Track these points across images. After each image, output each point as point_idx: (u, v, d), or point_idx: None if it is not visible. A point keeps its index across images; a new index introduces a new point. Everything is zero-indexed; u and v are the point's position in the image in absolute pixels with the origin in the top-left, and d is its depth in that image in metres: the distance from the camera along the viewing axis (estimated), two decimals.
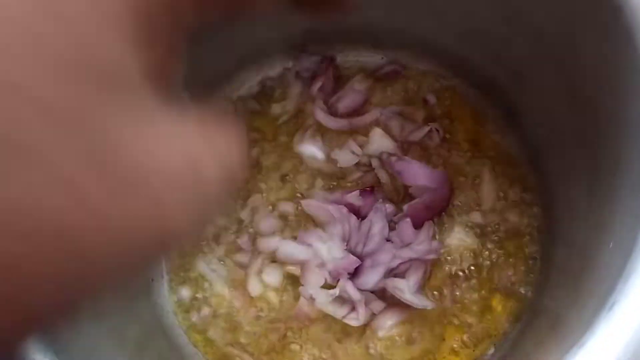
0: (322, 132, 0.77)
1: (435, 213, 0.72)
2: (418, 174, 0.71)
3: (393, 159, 0.72)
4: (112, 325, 0.55)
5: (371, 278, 0.68)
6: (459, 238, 0.71)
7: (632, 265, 0.39)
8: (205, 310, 0.72)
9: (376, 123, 0.76)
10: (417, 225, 0.70)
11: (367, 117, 0.76)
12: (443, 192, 0.72)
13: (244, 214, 0.75)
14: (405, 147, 0.75)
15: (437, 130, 0.75)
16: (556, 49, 0.58)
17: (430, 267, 0.70)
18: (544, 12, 0.56)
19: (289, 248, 0.72)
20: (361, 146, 0.75)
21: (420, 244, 0.68)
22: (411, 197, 0.72)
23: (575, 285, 0.53)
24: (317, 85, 0.78)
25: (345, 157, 0.74)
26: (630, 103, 0.47)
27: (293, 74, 0.79)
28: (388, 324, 0.68)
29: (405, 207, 0.70)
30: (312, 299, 0.69)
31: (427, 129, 0.75)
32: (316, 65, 0.79)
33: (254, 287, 0.72)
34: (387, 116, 0.76)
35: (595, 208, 0.54)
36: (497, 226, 0.72)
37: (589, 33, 0.51)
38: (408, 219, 0.70)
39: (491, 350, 0.68)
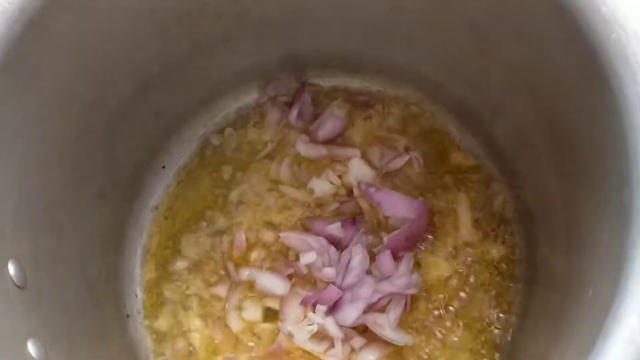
0: (299, 161, 0.75)
1: (415, 243, 0.71)
2: (397, 205, 0.70)
3: (372, 189, 0.71)
4: None
5: (351, 313, 0.67)
6: (437, 271, 0.70)
7: (611, 324, 0.38)
8: (180, 345, 0.70)
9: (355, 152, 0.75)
10: (397, 257, 0.69)
11: (347, 148, 0.75)
12: (422, 222, 0.71)
13: (224, 243, 0.73)
14: (384, 176, 0.74)
15: (417, 159, 0.74)
16: (532, 80, 0.57)
17: (411, 301, 0.68)
18: (519, 45, 0.55)
19: (267, 280, 0.71)
20: (340, 176, 0.74)
21: (400, 278, 0.67)
22: (392, 227, 0.71)
23: (556, 331, 0.52)
24: (295, 112, 0.76)
25: (322, 187, 0.73)
26: (610, 133, 0.45)
27: (269, 101, 0.78)
28: (370, 359, 0.67)
29: (385, 238, 0.69)
30: (290, 336, 0.68)
31: (407, 157, 0.74)
32: (292, 91, 0.78)
33: (234, 323, 0.70)
34: (367, 144, 0.75)
35: (575, 250, 0.53)
36: (475, 259, 0.70)
37: (565, 66, 0.50)
38: (388, 251, 0.68)
39: None
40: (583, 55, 0.46)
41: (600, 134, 0.48)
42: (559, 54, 0.50)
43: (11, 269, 0.48)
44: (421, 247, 0.71)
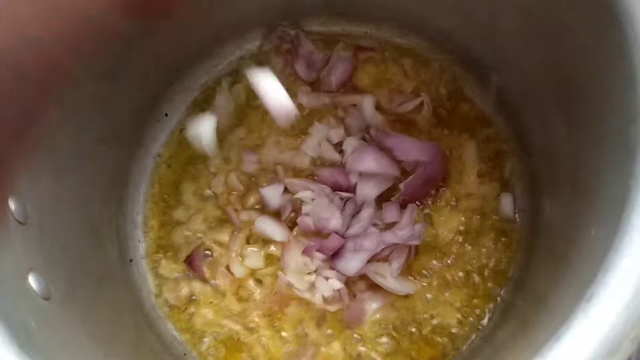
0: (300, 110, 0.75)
1: (432, 188, 0.71)
2: (410, 148, 0.69)
3: (383, 134, 0.70)
4: (81, 312, 0.53)
5: (353, 264, 0.66)
6: (441, 220, 0.69)
7: (612, 256, 0.38)
8: (183, 290, 0.71)
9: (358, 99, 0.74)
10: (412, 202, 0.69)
11: (350, 95, 0.74)
12: (437, 165, 0.70)
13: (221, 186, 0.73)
14: (392, 122, 0.73)
15: (427, 104, 0.73)
16: (542, 23, 0.56)
17: (415, 250, 0.68)
18: None
19: (266, 225, 0.70)
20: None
21: (403, 229, 0.66)
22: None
23: (557, 270, 0.51)
24: (302, 63, 0.75)
25: (322, 134, 0.73)
26: (619, 74, 0.45)
27: (273, 49, 0.77)
28: (372, 307, 0.67)
29: (401, 185, 0.68)
30: (290, 285, 0.68)
31: (418, 99, 0.73)
32: (296, 39, 0.76)
33: (237, 269, 0.70)
34: (373, 88, 0.75)
35: (578, 192, 0.52)
36: (481, 206, 0.70)
37: (574, 7, 0.49)
38: (395, 202, 0.68)
39: (472, 336, 0.67)
40: None
41: (609, 75, 0.47)
42: None
43: (12, 204, 0.48)
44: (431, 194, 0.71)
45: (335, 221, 0.67)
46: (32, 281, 0.47)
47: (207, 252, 0.72)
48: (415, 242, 0.67)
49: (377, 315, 0.68)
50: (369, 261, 0.67)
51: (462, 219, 0.70)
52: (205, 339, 0.69)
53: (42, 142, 0.55)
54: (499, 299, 0.68)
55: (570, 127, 0.57)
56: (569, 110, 0.56)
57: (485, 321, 0.67)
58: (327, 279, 0.67)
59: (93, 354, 0.51)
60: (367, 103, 0.72)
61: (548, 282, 0.55)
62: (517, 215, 0.70)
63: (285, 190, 0.71)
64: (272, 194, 0.71)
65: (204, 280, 0.70)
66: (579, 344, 0.36)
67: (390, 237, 0.67)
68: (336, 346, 0.67)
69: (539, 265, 0.62)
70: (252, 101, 0.76)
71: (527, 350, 0.40)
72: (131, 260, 0.71)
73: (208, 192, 0.74)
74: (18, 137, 0.52)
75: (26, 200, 0.50)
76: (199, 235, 0.72)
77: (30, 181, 0.52)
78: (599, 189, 0.48)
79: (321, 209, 0.67)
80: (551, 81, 0.58)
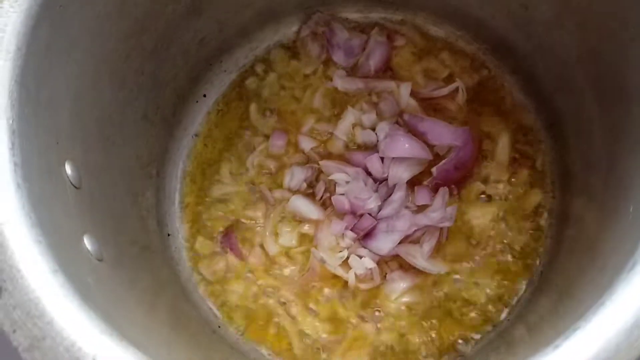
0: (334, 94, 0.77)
1: (465, 172, 0.72)
2: (443, 133, 0.71)
3: (416, 119, 0.71)
4: (127, 275, 0.55)
5: (386, 244, 0.68)
6: (473, 205, 0.71)
7: None
8: (219, 266, 0.73)
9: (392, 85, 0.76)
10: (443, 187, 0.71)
11: (384, 80, 0.76)
12: (469, 149, 0.71)
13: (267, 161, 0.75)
14: (426, 108, 0.74)
15: (462, 90, 0.74)
16: (581, 12, 0.57)
17: (447, 233, 0.70)
18: None
19: (300, 203, 0.72)
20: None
21: (436, 211, 0.68)
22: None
23: (593, 252, 0.53)
24: (338, 51, 0.77)
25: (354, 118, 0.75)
26: None
27: (310, 35, 0.79)
28: (401, 286, 0.69)
29: (434, 169, 0.70)
30: (322, 262, 0.70)
31: (454, 85, 0.74)
32: (329, 30, 0.78)
33: (271, 247, 0.72)
34: (408, 75, 0.76)
35: (615, 172, 0.53)
36: (511, 193, 0.72)
37: (619, 4, 0.50)
38: (426, 187, 0.70)
39: (504, 314, 0.69)
40: None
41: None
42: None
43: (68, 169, 0.50)
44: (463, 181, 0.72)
45: (372, 202, 0.68)
46: (87, 242, 0.49)
47: (241, 229, 0.73)
48: (447, 224, 0.68)
49: (406, 296, 0.69)
50: (400, 243, 0.69)
51: (493, 206, 0.71)
52: (239, 313, 0.71)
53: (93, 114, 0.58)
54: (527, 281, 0.69)
55: (605, 117, 0.59)
56: (605, 99, 0.58)
57: (514, 301, 0.68)
58: (360, 257, 0.68)
59: (139, 316, 0.53)
60: (404, 90, 0.74)
61: (581, 264, 0.56)
62: (547, 206, 0.71)
63: (320, 171, 0.73)
64: (301, 175, 0.73)
65: (239, 257, 0.72)
66: (624, 310, 0.37)
67: (422, 219, 0.68)
68: (368, 326, 0.69)
69: (571, 252, 0.64)
70: (287, 85, 0.78)
71: (566, 320, 0.41)
72: (169, 235, 0.73)
73: (243, 171, 0.75)
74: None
75: (80, 167, 0.52)
76: (234, 212, 0.74)
77: (82, 149, 0.54)
78: (636, 173, 0.49)
79: (358, 190, 0.69)
80: (587, 69, 0.60)
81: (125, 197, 0.64)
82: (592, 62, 0.59)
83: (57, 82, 0.51)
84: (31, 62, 0.46)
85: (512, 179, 0.72)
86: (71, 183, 0.50)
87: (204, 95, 0.78)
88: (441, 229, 0.69)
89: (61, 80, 0.51)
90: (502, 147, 0.73)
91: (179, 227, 0.75)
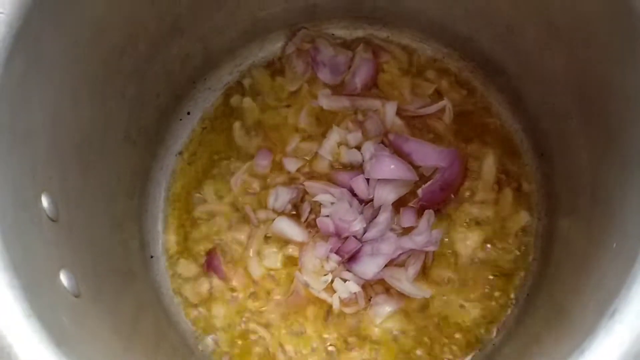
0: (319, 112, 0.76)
1: (451, 194, 0.71)
2: (428, 154, 0.70)
3: (401, 139, 0.71)
4: (106, 307, 0.54)
5: (370, 268, 0.68)
6: (458, 227, 0.70)
7: (635, 272, 0.39)
8: (202, 288, 0.72)
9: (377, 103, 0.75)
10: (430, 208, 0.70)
11: (369, 98, 0.75)
12: (455, 170, 0.71)
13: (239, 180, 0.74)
14: (411, 128, 0.74)
15: (449, 109, 0.73)
16: (566, 31, 0.57)
17: (432, 256, 0.69)
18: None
19: (284, 225, 0.71)
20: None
21: (421, 234, 0.67)
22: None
23: (576, 283, 0.52)
24: (324, 69, 0.76)
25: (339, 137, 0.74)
26: None
27: (295, 52, 0.78)
28: (386, 310, 0.68)
29: (419, 191, 0.69)
30: (306, 285, 0.69)
31: (442, 103, 0.73)
32: (313, 49, 0.77)
33: (255, 269, 0.71)
34: (393, 92, 0.75)
35: (598, 204, 0.53)
36: (497, 215, 0.71)
37: (599, 15, 0.50)
38: (412, 208, 0.69)
39: (491, 337, 0.68)
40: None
41: (634, 87, 0.48)
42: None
43: (44, 201, 0.49)
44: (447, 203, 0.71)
45: (357, 224, 0.68)
46: (64, 278, 0.48)
47: (225, 251, 0.73)
48: (432, 249, 0.68)
49: (392, 320, 0.69)
50: (385, 266, 0.68)
51: (479, 228, 0.71)
52: (223, 336, 0.71)
53: (73, 139, 0.56)
54: (513, 307, 0.69)
55: (591, 140, 0.58)
56: (591, 122, 0.57)
57: (501, 323, 0.68)
58: (344, 280, 0.68)
59: (117, 348, 0.53)
60: (390, 108, 0.73)
61: (566, 293, 0.56)
62: (533, 227, 0.71)
63: (305, 192, 0.72)
64: (285, 196, 0.72)
65: (222, 279, 0.71)
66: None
67: (407, 242, 0.68)
68: (354, 353, 0.68)
69: (556, 276, 0.63)
70: (272, 103, 0.77)
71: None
72: (152, 257, 0.72)
73: (227, 191, 0.74)
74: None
75: (57, 197, 0.51)
76: (218, 233, 0.73)
77: (60, 178, 0.53)
78: (621, 202, 0.48)
79: (343, 212, 0.68)
80: (574, 91, 0.59)
81: (106, 223, 0.63)
82: (578, 85, 0.59)
83: (34, 110, 0.50)
84: (6, 93, 0.45)
85: (498, 200, 0.71)
86: (48, 216, 0.49)
87: (188, 113, 0.77)
88: (426, 252, 0.69)
89: (37, 107, 0.50)
90: (488, 167, 0.72)
91: (162, 249, 0.74)
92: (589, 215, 0.56)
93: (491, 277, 0.70)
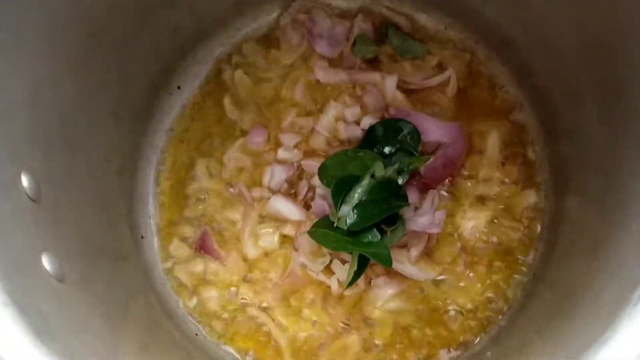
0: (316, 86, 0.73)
1: (454, 170, 0.68)
2: (431, 129, 0.67)
3: (403, 114, 0.67)
4: (93, 293, 0.51)
5: None
6: (462, 207, 0.67)
7: None
8: (196, 268, 0.69)
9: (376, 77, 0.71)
10: (433, 186, 0.67)
11: (369, 72, 0.72)
12: (459, 146, 0.68)
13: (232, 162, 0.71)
14: (413, 101, 0.70)
15: (454, 80, 0.70)
16: (580, 4, 0.54)
17: (436, 238, 0.67)
18: None
19: (280, 204, 0.68)
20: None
21: (424, 215, 0.64)
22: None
23: (590, 267, 0.50)
24: (321, 41, 0.73)
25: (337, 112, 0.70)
26: None
27: (291, 23, 0.74)
28: (387, 293, 0.66)
29: (421, 169, 0.66)
30: (304, 266, 0.66)
31: (446, 74, 0.70)
32: (309, 20, 0.73)
33: (250, 250, 0.68)
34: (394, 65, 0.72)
35: (612, 185, 0.50)
36: (502, 193, 0.68)
37: None
38: (414, 187, 0.66)
39: (495, 322, 0.66)
40: None
41: None
42: None
43: (24, 181, 0.46)
44: (451, 182, 0.69)
45: None
46: (46, 262, 0.45)
47: (219, 231, 0.70)
48: (435, 231, 0.65)
49: (392, 302, 0.66)
50: None
51: (484, 207, 0.68)
52: (217, 320, 0.68)
53: (55, 116, 0.53)
54: (520, 287, 0.66)
55: (607, 116, 0.55)
56: (606, 97, 0.54)
57: (506, 307, 0.66)
58: (343, 262, 0.65)
59: (106, 336, 0.50)
60: (390, 82, 0.70)
61: (577, 276, 0.53)
62: (540, 206, 0.68)
63: (302, 170, 0.69)
64: (282, 174, 0.69)
65: (217, 260, 0.69)
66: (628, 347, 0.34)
67: (410, 224, 0.65)
68: (352, 337, 0.66)
69: (565, 259, 0.61)
70: (266, 76, 0.74)
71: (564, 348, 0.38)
72: (142, 237, 0.69)
73: (220, 168, 0.71)
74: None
75: (39, 177, 0.48)
76: (211, 213, 0.70)
77: (43, 158, 0.50)
78: (637, 183, 0.46)
79: None
80: (587, 66, 0.56)
81: (94, 204, 0.60)
82: (592, 56, 0.55)
83: (10, 86, 0.46)
84: None
85: (503, 178, 0.69)
86: (28, 197, 0.46)
87: (179, 87, 0.74)
88: (429, 234, 0.66)
89: (15, 84, 0.47)
90: (493, 143, 0.69)
91: (153, 230, 0.71)
92: (602, 195, 0.53)
93: (497, 259, 0.67)
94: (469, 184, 0.68)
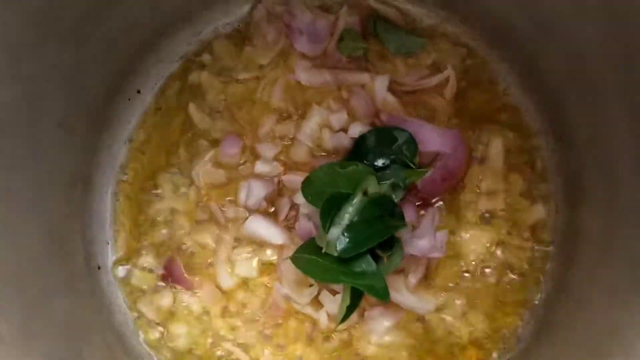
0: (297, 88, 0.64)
1: (454, 183, 0.61)
2: (429, 137, 0.59)
3: (397, 121, 0.60)
4: (37, 348, 0.42)
5: None
6: (467, 231, 0.60)
7: None
8: (161, 302, 0.60)
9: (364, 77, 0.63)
10: (429, 202, 0.60)
11: (355, 72, 0.63)
12: (459, 157, 0.60)
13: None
14: (406, 105, 0.62)
15: (453, 81, 0.62)
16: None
17: (437, 261, 0.59)
18: None
19: (260, 226, 0.60)
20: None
21: (424, 238, 0.57)
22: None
23: (616, 289, 0.43)
24: (300, 37, 0.64)
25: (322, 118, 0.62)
26: None
27: (266, 16, 0.65)
28: (383, 325, 0.58)
29: (418, 181, 0.59)
30: (288, 299, 0.58)
31: (445, 74, 0.62)
32: (287, 12, 0.65)
33: (225, 280, 0.60)
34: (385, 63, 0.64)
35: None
36: (509, 205, 0.61)
37: None
38: (412, 204, 0.59)
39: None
40: None
41: None
42: None
43: None
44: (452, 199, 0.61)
45: None
46: None
47: (188, 257, 0.61)
48: (437, 255, 0.57)
49: (388, 337, 0.58)
50: None
51: (487, 225, 0.60)
52: (189, 358, 0.59)
53: None
54: (528, 318, 0.59)
55: (633, 118, 0.48)
56: (637, 100, 0.47)
57: (512, 342, 0.59)
58: (333, 293, 0.57)
59: None
60: (380, 84, 0.62)
61: (601, 303, 0.46)
62: (551, 221, 0.61)
63: (282, 185, 0.61)
64: (260, 191, 0.61)
65: (187, 291, 0.60)
66: None
67: (407, 248, 0.57)
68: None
69: (583, 279, 0.54)
70: (238, 75, 0.65)
71: None
72: (99, 268, 0.60)
73: (189, 185, 0.63)
74: None
75: None
76: (179, 236, 0.62)
77: None
78: None
79: None
80: (620, 67, 0.48)
81: (38, 231, 0.51)
82: (625, 55, 0.48)
83: None
84: None
85: (509, 190, 0.61)
86: None
87: (139, 92, 0.65)
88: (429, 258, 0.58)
89: None
90: (496, 152, 0.62)
91: (112, 258, 0.62)
92: (627, 209, 0.46)
93: (502, 285, 0.60)
94: (470, 197, 0.61)
